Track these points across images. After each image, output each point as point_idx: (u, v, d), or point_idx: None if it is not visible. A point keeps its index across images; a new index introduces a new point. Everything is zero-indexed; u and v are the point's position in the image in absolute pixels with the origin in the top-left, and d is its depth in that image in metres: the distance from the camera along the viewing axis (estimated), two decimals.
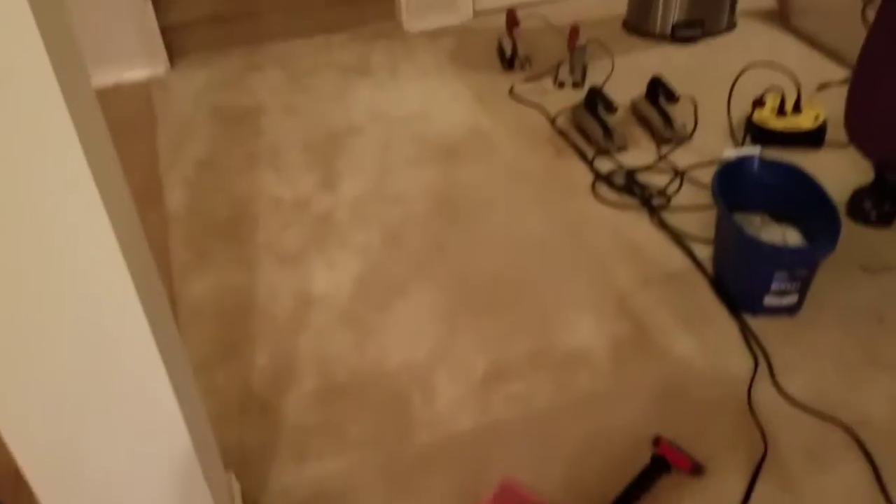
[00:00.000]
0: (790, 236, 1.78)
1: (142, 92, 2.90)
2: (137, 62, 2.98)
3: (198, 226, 2.17)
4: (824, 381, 1.60)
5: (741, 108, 2.46)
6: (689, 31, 3.07)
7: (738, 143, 2.37)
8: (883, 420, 1.51)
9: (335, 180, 2.34)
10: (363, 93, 2.84)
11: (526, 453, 1.48)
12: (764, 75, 2.50)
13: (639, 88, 2.63)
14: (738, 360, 1.66)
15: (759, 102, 2.40)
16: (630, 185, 2.24)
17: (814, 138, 2.32)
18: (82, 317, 0.88)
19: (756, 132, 2.35)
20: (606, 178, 2.29)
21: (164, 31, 3.01)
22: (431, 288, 1.90)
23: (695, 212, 2.11)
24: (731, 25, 3.14)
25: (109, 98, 2.88)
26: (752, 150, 1.89)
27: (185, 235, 2.13)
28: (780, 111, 2.35)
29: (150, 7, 2.93)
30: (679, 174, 2.27)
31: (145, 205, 2.28)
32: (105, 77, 2.93)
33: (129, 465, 1.03)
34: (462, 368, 1.68)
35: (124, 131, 2.68)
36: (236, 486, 1.40)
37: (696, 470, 1.42)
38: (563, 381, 1.64)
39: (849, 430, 1.48)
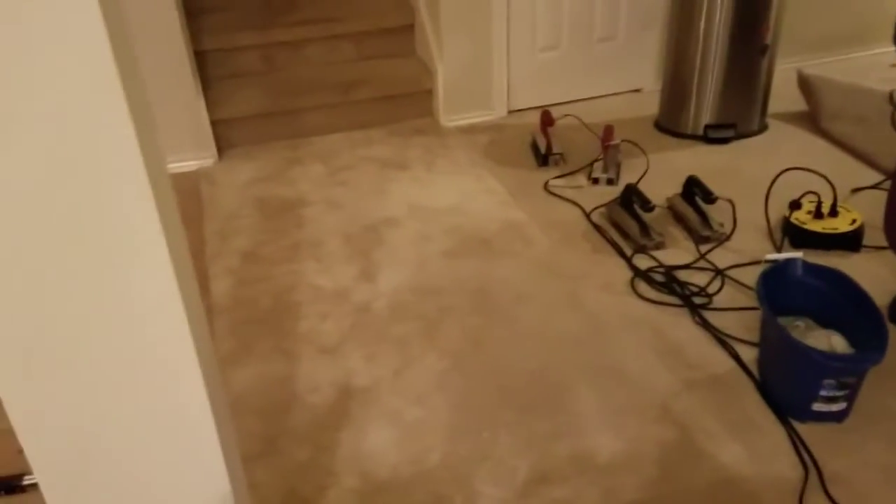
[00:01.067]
0: (836, 342, 1.77)
1: (190, 182, 3.01)
2: (188, 154, 3.11)
3: (241, 315, 2.20)
4: (874, 492, 1.55)
5: (776, 210, 2.49)
6: (722, 132, 3.14)
7: (777, 245, 2.38)
8: None
9: (374, 271, 2.38)
10: (400, 186, 2.92)
11: None
12: (797, 178, 2.54)
13: (673, 187, 2.68)
14: (788, 468, 1.62)
15: (795, 205, 2.43)
16: (670, 283, 2.25)
17: (851, 241, 2.33)
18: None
19: (794, 234, 2.36)
20: (646, 275, 2.30)
21: (214, 125, 3.15)
22: (470, 383, 1.90)
23: (737, 313, 2.10)
24: (763, 128, 3.21)
25: None
26: (795, 254, 1.90)
27: (229, 325, 2.16)
28: (817, 214, 2.37)
29: (202, 102, 3.07)
30: (720, 273, 2.28)
31: None
32: None
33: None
34: (504, 469, 1.65)
35: None
36: None
37: None
38: (608, 486, 1.60)
39: None
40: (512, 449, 1.71)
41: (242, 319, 2.18)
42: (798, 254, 1.91)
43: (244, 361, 2.01)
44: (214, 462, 1.01)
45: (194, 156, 3.12)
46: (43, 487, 0.94)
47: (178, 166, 3.09)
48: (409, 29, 3.60)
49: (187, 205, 2.83)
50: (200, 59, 3.26)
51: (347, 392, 1.89)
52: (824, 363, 1.59)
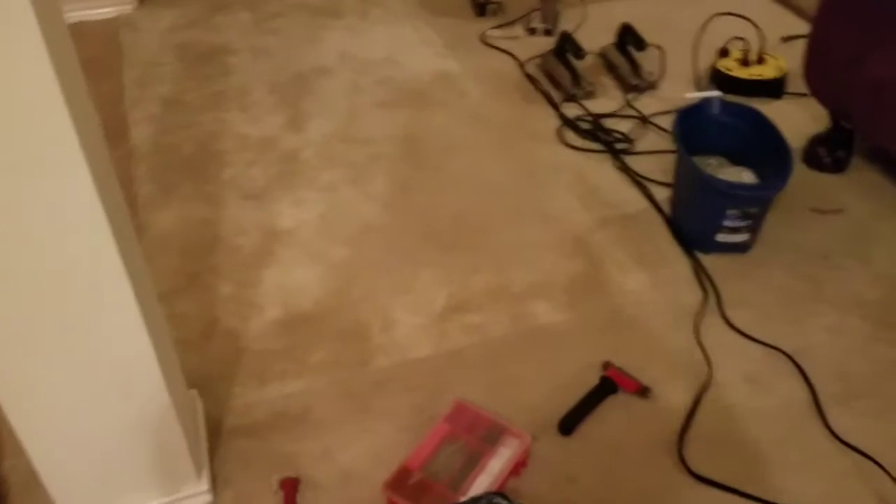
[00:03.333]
0: (745, 177, 1.83)
1: (109, 28, 2.86)
2: (104, 0, 2.93)
3: (163, 161, 2.17)
4: (770, 314, 1.67)
5: (707, 58, 2.49)
6: None
7: (701, 90, 2.40)
8: (821, 346, 1.58)
9: (303, 121, 2.34)
10: (332, 35, 2.83)
11: (480, 378, 1.53)
12: (730, 26, 2.53)
13: (610, 37, 2.65)
14: (689, 295, 1.72)
15: (723, 52, 2.44)
16: (595, 131, 2.27)
17: (775, 88, 2.36)
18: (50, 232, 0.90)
19: (720, 80, 2.39)
20: (572, 124, 2.32)
21: None
22: (396, 226, 1.93)
23: (657, 156, 2.15)
24: None
25: (75, 34, 2.81)
26: (714, 93, 1.93)
27: (150, 170, 2.13)
28: (745, 62, 2.39)
29: None
30: (644, 119, 2.31)
31: (112, 141, 2.25)
32: (71, 13, 2.88)
33: (91, 372, 1.05)
34: (423, 301, 1.72)
35: (90, 68, 2.61)
36: (199, 403, 1.44)
37: (643, 392, 1.48)
38: (519, 313, 1.69)
39: (789, 358, 1.55)
40: (431, 283, 1.77)
41: (164, 165, 2.15)
42: (716, 92, 1.93)
43: (166, 204, 2.00)
44: (136, 330, 1.03)
45: (111, 1, 2.94)
46: None
47: (96, 13, 2.92)
48: None
49: (105, 52, 2.71)
50: None
51: (273, 234, 1.91)
52: (727, 191, 1.66)
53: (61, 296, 0.97)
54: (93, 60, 2.68)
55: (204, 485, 1.28)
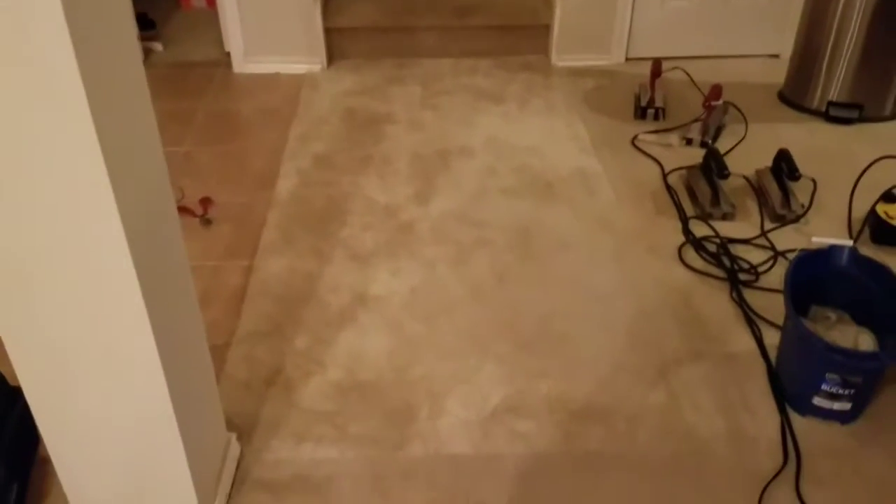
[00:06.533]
0: (863, 340, 1.63)
1: (294, 84, 3.17)
2: (299, 57, 3.27)
3: (294, 212, 2.34)
4: (852, 502, 1.45)
5: (868, 200, 2.26)
6: (845, 111, 2.87)
7: (854, 236, 2.18)
8: None
9: (429, 195, 2.43)
10: (488, 118, 2.92)
11: (508, 493, 1.47)
12: None
13: (768, 161, 2.49)
14: (766, 458, 1.54)
15: (889, 197, 2.20)
16: (720, 255, 2.14)
17: None
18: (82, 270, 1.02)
19: (877, 227, 2.15)
20: (697, 243, 2.20)
21: (328, 33, 3.28)
22: (479, 314, 1.93)
23: (780, 296, 1.97)
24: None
25: (266, 84, 3.18)
26: (844, 242, 1.75)
27: (281, 218, 2.31)
28: None
29: (318, 9, 3.20)
30: (777, 254, 2.14)
31: (260, 186, 2.49)
32: (269, 65, 3.25)
33: (110, 399, 1.16)
34: (478, 395, 1.69)
35: (267, 117, 2.94)
36: (235, 448, 1.51)
37: None
38: (572, 432, 1.60)
39: None
40: (492, 378, 1.74)
41: (294, 216, 2.32)
42: (847, 242, 1.75)
43: (281, 252, 2.15)
44: (153, 376, 1.13)
45: (304, 60, 3.27)
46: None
47: (287, 68, 3.26)
48: None
49: (285, 106, 3.00)
50: None
51: (362, 298, 1.98)
52: (825, 354, 1.48)
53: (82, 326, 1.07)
54: (272, 110, 2.98)
55: None
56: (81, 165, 0.93)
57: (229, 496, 1.44)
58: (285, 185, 2.49)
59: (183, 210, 2.28)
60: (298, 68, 3.28)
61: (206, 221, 2.28)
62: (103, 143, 0.92)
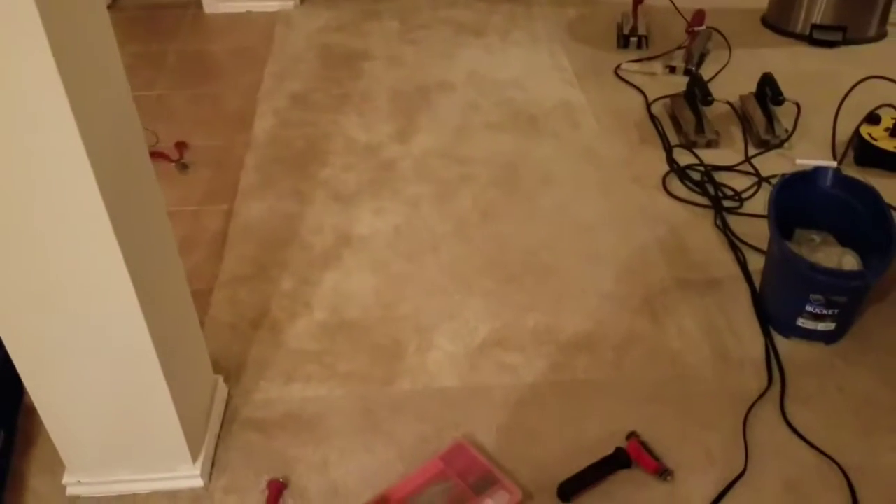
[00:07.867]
0: (846, 261, 1.63)
1: (267, 22, 3.08)
2: None
3: (273, 154, 2.30)
4: (837, 419, 1.47)
5: (852, 123, 2.24)
6: (829, 34, 2.82)
7: (838, 158, 2.17)
8: (887, 469, 1.38)
9: (411, 133, 2.39)
10: (468, 52, 2.86)
11: (497, 422, 1.48)
12: (888, 92, 2.26)
13: (753, 86, 2.46)
14: (752, 379, 1.56)
15: (873, 118, 2.19)
16: (704, 183, 2.13)
17: None
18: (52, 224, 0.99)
19: (862, 149, 2.14)
20: (681, 171, 2.18)
21: None
22: (465, 250, 1.92)
23: (764, 221, 1.97)
24: (880, 35, 2.85)
25: (239, 23, 3.09)
26: (828, 163, 1.74)
27: (259, 160, 2.26)
28: (895, 132, 2.13)
29: None
30: (761, 179, 2.13)
31: (237, 128, 2.44)
32: (240, 3, 3.15)
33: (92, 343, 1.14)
34: (465, 330, 1.69)
35: (241, 57, 2.86)
36: (222, 390, 1.51)
37: (663, 474, 1.36)
38: (559, 363, 1.61)
39: (843, 472, 1.37)
40: (479, 313, 1.73)
41: (272, 157, 2.27)
42: (831, 163, 1.74)
43: (262, 195, 2.12)
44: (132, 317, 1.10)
45: None
46: None
47: (259, 6, 3.16)
48: None
49: (258, 45, 2.91)
50: None
51: (346, 238, 1.96)
52: (809, 275, 1.49)
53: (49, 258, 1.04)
54: (245, 50, 2.90)
55: (196, 469, 1.34)
56: (45, 107, 0.89)
57: (219, 436, 1.44)
58: (262, 125, 2.43)
59: (158, 155, 2.23)
60: (271, 6, 3.18)
61: (183, 166, 2.24)
62: (66, 83, 0.88)
